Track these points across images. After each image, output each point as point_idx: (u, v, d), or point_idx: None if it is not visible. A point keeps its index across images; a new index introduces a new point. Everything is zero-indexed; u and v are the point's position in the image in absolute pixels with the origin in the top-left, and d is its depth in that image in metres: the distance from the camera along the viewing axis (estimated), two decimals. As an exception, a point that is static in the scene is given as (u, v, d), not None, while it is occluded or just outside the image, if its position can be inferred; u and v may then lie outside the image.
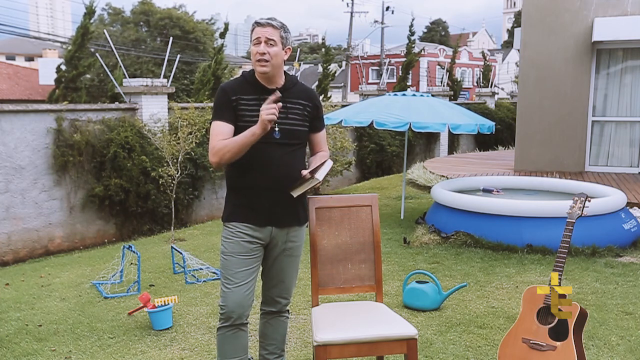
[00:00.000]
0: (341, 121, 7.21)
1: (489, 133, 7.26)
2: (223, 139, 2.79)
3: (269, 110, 2.67)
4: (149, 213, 10.35)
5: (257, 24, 2.81)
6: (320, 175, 2.73)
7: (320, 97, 3.15)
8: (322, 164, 2.82)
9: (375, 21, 37.95)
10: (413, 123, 6.81)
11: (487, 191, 7.68)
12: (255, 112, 2.81)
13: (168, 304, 4.25)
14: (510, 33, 74.23)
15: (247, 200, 2.86)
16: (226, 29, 16.78)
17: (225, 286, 2.85)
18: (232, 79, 3.11)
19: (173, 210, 8.35)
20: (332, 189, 13.61)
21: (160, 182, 8.93)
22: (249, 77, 2.90)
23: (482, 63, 30.57)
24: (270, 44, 2.78)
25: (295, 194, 2.77)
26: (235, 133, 2.83)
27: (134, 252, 5.26)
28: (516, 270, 5.54)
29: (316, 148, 3.07)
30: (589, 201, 3.41)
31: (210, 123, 2.90)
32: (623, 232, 6.29)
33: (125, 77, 11.22)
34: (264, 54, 2.77)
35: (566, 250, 3.14)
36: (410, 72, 22.50)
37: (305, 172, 2.80)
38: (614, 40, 9.88)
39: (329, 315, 2.89)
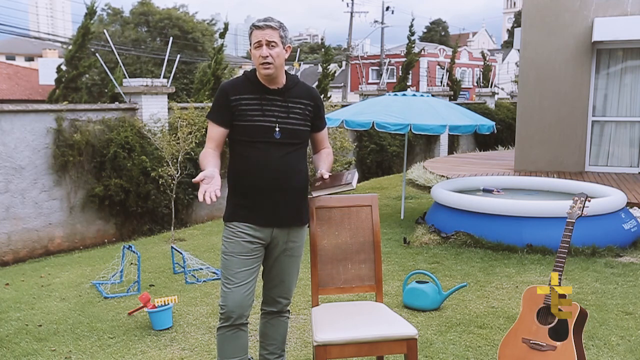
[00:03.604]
0: (342, 123, 7.19)
1: (488, 133, 7.26)
2: (212, 145, 2.86)
3: (208, 186, 2.61)
4: (149, 213, 10.35)
5: (256, 27, 2.80)
6: (355, 183, 2.83)
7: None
8: (352, 172, 2.91)
9: (375, 21, 37.95)
10: (413, 125, 6.81)
11: (487, 191, 7.67)
12: (255, 112, 2.82)
13: (168, 304, 4.25)
14: (510, 33, 74.20)
15: (248, 200, 2.86)
16: (226, 29, 16.81)
17: (226, 286, 2.85)
18: (233, 77, 3.12)
19: (173, 210, 8.34)
20: (332, 189, 13.58)
21: (160, 182, 8.93)
22: (251, 76, 2.90)
23: (482, 63, 30.57)
24: (272, 46, 2.78)
25: (316, 194, 2.79)
26: (234, 132, 2.86)
27: (134, 252, 5.26)
28: (516, 270, 5.54)
29: (319, 146, 3.08)
30: (589, 201, 3.41)
31: (207, 118, 2.95)
32: (623, 232, 6.29)
33: (126, 77, 11.22)
34: (267, 56, 2.77)
35: (566, 250, 3.14)
36: (410, 72, 22.54)
37: (325, 174, 2.87)
38: (614, 40, 9.88)
39: (329, 315, 2.89)
